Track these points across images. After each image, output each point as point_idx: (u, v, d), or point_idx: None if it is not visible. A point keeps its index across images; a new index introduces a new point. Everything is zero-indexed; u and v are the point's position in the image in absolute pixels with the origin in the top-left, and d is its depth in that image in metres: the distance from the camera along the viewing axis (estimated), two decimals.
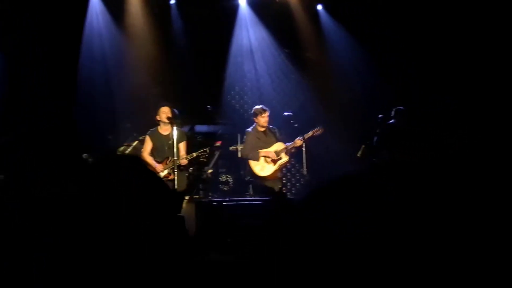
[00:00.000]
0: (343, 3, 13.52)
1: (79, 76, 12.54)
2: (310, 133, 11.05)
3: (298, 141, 10.91)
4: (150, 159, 10.35)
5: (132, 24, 13.04)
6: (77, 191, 1.63)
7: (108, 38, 12.92)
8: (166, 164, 10.39)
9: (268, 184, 10.91)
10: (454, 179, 1.36)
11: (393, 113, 11.22)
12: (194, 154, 10.53)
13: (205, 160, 11.80)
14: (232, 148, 12.06)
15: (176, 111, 11.08)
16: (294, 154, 11.39)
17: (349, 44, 13.93)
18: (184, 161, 10.36)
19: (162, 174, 10.24)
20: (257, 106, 11.17)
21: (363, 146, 11.50)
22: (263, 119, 10.88)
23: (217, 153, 11.96)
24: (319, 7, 14.26)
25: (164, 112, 10.48)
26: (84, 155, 12.48)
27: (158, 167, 10.32)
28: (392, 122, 11.16)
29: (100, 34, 12.86)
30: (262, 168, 10.92)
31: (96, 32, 12.85)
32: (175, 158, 10.00)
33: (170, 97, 12.31)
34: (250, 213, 9.18)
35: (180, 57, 13.43)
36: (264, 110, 10.92)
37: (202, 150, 10.54)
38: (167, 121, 10.38)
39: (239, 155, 11.62)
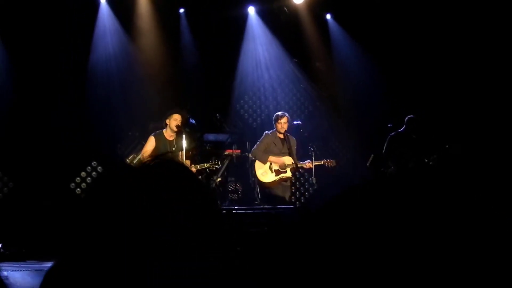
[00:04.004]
0: (352, 12, 13.52)
1: (88, 84, 12.56)
2: (321, 162, 11.13)
3: (308, 164, 11.00)
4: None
5: (141, 32, 13.07)
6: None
7: (117, 46, 12.94)
8: None
9: (277, 191, 10.92)
10: (457, 185, 1.36)
11: (405, 121, 11.19)
12: (206, 165, 10.52)
13: (214, 169, 11.81)
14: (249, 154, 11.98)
15: (192, 120, 11.10)
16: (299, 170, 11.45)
17: (358, 53, 13.94)
18: (193, 170, 10.31)
19: None
20: (278, 112, 11.24)
21: (372, 155, 11.48)
22: (279, 125, 10.95)
23: (226, 162, 11.96)
24: (328, 16, 14.26)
25: (175, 120, 10.47)
26: (93, 163, 12.54)
27: None
28: (401, 131, 11.13)
29: (110, 42, 12.89)
30: (265, 173, 10.98)
31: (106, 40, 12.87)
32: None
33: (179, 106, 12.37)
34: (259, 222, 9.18)
35: (189, 65, 13.46)
36: (282, 116, 11.01)
37: (213, 162, 10.53)
38: (175, 129, 10.40)
39: (250, 154, 11.61)
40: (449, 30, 12.85)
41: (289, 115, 11.25)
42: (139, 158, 10.48)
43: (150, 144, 10.48)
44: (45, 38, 12.02)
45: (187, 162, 10.46)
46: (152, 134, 10.58)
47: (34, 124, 11.90)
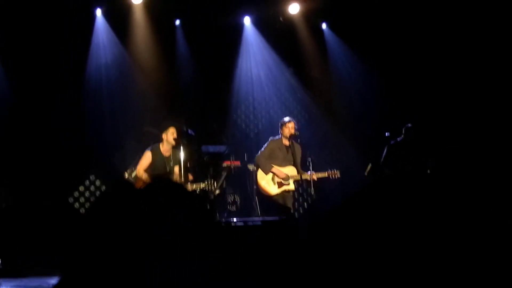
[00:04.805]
0: (348, 21, 13.55)
1: (85, 95, 12.55)
2: (325, 174, 11.05)
3: (313, 176, 10.82)
4: (146, 177, 10.27)
5: (137, 43, 13.05)
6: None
7: (113, 57, 12.93)
8: None
9: (279, 199, 10.88)
10: (453, 188, 1.39)
11: (403, 130, 11.20)
12: (202, 185, 10.46)
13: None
14: (249, 166, 11.95)
15: (191, 131, 11.08)
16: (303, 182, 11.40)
17: (353, 61, 13.98)
18: (188, 188, 10.17)
19: None
20: (284, 118, 11.20)
21: (370, 164, 11.48)
22: (286, 130, 10.91)
23: (224, 173, 11.94)
24: (324, 25, 14.28)
25: (172, 133, 10.44)
26: (91, 177, 12.54)
27: None
28: (400, 140, 11.15)
29: (106, 53, 12.88)
30: (267, 185, 10.90)
31: (102, 51, 12.87)
32: (183, 180, 10.08)
33: (174, 116, 12.38)
34: (259, 233, 9.16)
35: (185, 76, 13.45)
36: (290, 121, 10.98)
37: (209, 183, 10.49)
38: (173, 142, 10.37)
39: (250, 168, 11.62)
40: (445, 36, 12.89)
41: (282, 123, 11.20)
42: (135, 174, 10.45)
43: (146, 159, 10.43)
44: (41, 49, 12.02)
45: (188, 175, 10.46)
46: (148, 149, 10.52)
47: (30, 137, 11.89)
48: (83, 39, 12.59)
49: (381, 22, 13.18)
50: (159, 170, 10.28)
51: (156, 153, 10.46)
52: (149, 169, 10.40)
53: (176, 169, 10.43)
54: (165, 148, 10.51)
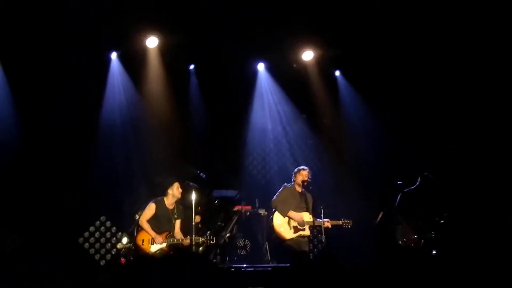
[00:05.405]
0: (361, 69, 13.61)
1: (99, 135, 12.61)
2: (340, 222, 11.09)
3: (326, 224, 10.86)
4: (148, 227, 10.52)
5: (151, 88, 13.14)
6: None
7: (127, 101, 13.01)
8: (166, 238, 10.49)
9: (293, 244, 10.84)
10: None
11: (419, 178, 11.19)
12: (200, 239, 10.63)
13: (222, 224, 11.83)
14: (260, 211, 11.97)
15: (202, 174, 11.20)
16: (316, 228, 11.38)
17: (366, 109, 13.99)
18: (187, 242, 10.45)
19: (158, 246, 10.45)
20: (299, 166, 11.40)
21: (382, 212, 11.42)
22: (300, 177, 11.04)
23: (235, 218, 11.92)
24: (337, 73, 14.35)
25: (177, 188, 10.77)
26: (102, 218, 12.51)
27: (158, 238, 10.45)
28: (413, 188, 11.13)
29: (120, 98, 12.97)
30: (283, 229, 10.89)
31: (117, 95, 12.96)
32: (194, 222, 10.21)
33: (188, 162, 12.41)
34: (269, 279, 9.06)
35: (198, 121, 13.51)
36: (304, 169, 11.16)
37: (209, 238, 10.67)
38: (179, 196, 10.72)
39: (261, 213, 11.72)
40: (459, 85, 12.93)
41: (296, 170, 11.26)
42: (137, 221, 10.67)
43: (150, 210, 10.68)
44: (56, 93, 12.14)
45: (197, 218, 10.57)
46: (153, 201, 10.77)
47: (40, 178, 11.92)
48: (98, 82, 12.70)
49: (394, 72, 13.24)
50: (161, 222, 10.64)
51: (160, 206, 10.73)
52: (152, 220, 10.65)
53: (178, 223, 10.75)
54: (169, 201, 10.79)
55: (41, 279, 8.95)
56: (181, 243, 10.45)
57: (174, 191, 10.72)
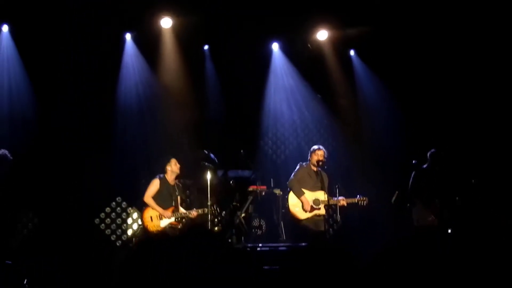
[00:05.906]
0: (376, 49, 13.53)
1: (115, 117, 12.68)
2: (355, 200, 11.07)
3: (342, 202, 10.85)
4: (153, 203, 10.66)
5: (166, 69, 13.16)
6: None
7: (142, 83, 13.05)
8: (172, 212, 10.62)
9: (310, 223, 10.88)
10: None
11: (428, 156, 11.15)
12: (206, 210, 10.81)
13: (238, 204, 11.88)
14: (275, 191, 11.98)
15: (212, 155, 11.30)
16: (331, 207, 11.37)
17: (381, 89, 13.93)
18: (194, 214, 10.73)
19: (168, 221, 10.60)
20: (314, 145, 11.39)
21: (397, 192, 11.38)
22: (315, 157, 11.02)
23: (250, 198, 11.97)
24: (352, 52, 14.29)
25: (175, 163, 10.92)
26: (118, 198, 12.58)
27: (166, 212, 10.60)
28: (426, 167, 11.08)
29: (135, 79, 13.01)
30: (298, 209, 10.91)
31: (132, 77, 12.99)
32: (209, 203, 10.34)
33: (204, 142, 12.45)
34: (285, 259, 9.08)
35: (213, 102, 13.54)
36: (319, 149, 11.12)
37: (213, 209, 10.93)
38: (178, 171, 10.86)
39: (276, 193, 11.77)
40: (474, 64, 12.86)
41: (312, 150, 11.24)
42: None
43: (154, 186, 10.81)
44: (73, 72, 12.22)
45: (213, 199, 10.65)
46: (157, 177, 10.89)
47: (57, 159, 12.02)
48: (113, 64, 12.74)
49: (408, 50, 13.17)
50: (165, 198, 10.78)
51: (164, 182, 10.84)
52: (157, 196, 10.77)
53: (178, 199, 10.93)
54: (170, 178, 10.91)
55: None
56: (188, 216, 10.67)
57: (173, 167, 10.86)
